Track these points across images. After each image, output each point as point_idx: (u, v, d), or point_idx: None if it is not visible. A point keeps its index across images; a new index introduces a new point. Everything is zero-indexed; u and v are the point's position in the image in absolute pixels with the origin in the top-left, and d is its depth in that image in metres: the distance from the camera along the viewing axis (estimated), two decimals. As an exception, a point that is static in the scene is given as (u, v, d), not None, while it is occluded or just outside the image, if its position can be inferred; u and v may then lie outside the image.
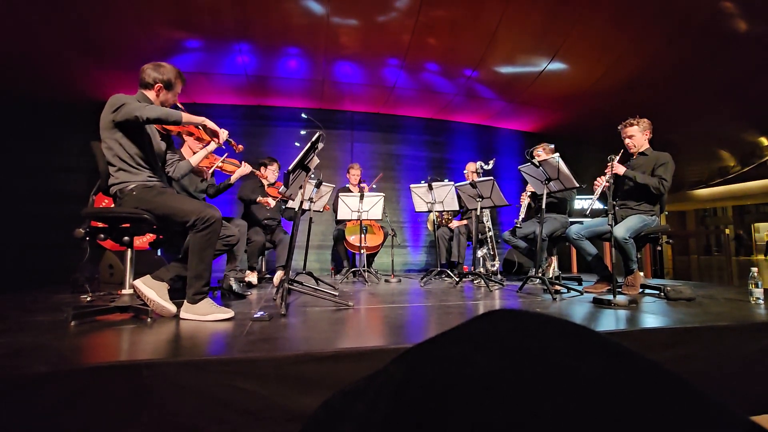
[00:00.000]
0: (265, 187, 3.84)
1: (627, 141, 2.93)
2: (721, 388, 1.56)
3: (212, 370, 1.15)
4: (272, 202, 3.71)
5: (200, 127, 2.03)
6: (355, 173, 4.50)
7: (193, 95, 4.90)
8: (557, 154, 2.75)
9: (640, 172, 2.77)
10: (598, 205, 2.91)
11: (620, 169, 2.73)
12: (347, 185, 4.60)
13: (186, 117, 1.89)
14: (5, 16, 3.21)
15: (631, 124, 2.90)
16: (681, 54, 4.03)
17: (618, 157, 2.72)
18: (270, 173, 3.79)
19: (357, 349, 1.29)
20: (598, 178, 2.76)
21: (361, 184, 4.44)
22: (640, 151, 2.91)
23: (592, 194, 2.76)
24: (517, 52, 4.16)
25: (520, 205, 3.49)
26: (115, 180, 1.92)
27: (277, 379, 1.17)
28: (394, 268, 4.23)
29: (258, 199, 3.66)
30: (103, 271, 3.30)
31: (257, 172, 3.58)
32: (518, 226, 3.41)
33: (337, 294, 2.51)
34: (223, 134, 2.17)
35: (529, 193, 3.47)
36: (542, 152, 3.41)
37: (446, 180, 3.75)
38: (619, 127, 2.97)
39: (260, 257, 3.86)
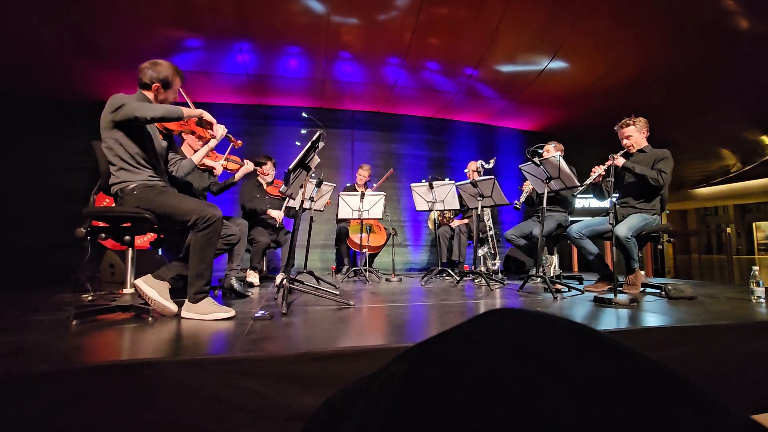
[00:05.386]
0: (264, 186, 3.84)
1: (625, 141, 2.90)
2: (722, 387, 1.56)
3: (213, 369, 1.15)
4: (279, 217, 3.67)
5: (197, 118, 2.05)
6: (362, 173, 4.48)
7: (194, 94, 4.90)
8: (558, 152, 2.75)
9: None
10: (596, 204, 2.93)
11: (620, 160, 2.74)
12: (354, 183, 4.58)
13: (186, 111, 1.93)
14: (6, 17, 3.22)
15: (628, 124, 2.88)
16: (682, 52, 4.02)
17: (619, 155, 2.73)
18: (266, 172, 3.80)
19: (358, 348, 1.29)
20: (597, 166, 2.79)
21: (367, 186, 4.43)
22: (639, 148, 2.90)
23: (592, 188, 2.77)
24: (517, 50, 4.15)
25: (522, 190, 3.49)
26: (116, 179, 1.92)
27: (278, 378, 1.17)
28: (395, 267, 4.22)
29: (267, 212, 3.66)
30: (104, 271, 3.30)
31: (260, 170, 3.59)
32: (517, 207, 3.42)
33: (338, 293, 2.51)
34: (222, 129, 2.17)
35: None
36: (552, 148, 3.39)
37: (447, 179, 3.74)
38: (615, 128, 2.94)
39: (263, 257, 3.86)
